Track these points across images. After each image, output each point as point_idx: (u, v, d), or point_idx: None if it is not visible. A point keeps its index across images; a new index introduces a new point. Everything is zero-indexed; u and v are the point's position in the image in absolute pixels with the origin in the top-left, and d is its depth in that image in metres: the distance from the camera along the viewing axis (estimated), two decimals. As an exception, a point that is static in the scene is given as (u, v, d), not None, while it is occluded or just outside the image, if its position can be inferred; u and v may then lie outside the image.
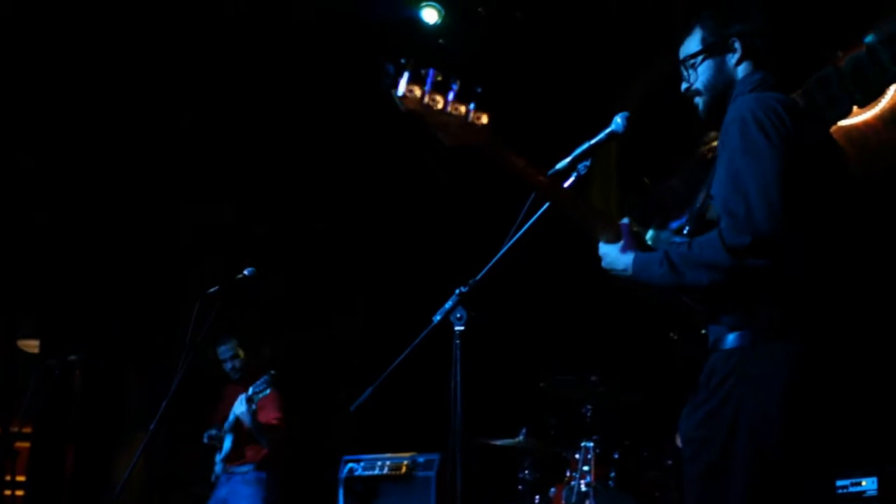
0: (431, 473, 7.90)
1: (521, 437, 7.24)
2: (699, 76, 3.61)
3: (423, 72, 3.16)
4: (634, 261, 3.38)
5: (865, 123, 7.61)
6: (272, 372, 7.86)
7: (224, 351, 8.44)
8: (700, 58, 3.60)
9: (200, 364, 5.79)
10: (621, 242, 3.47)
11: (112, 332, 10.01)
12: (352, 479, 8.16)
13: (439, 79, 3.18)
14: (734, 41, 3.55)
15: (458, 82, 3.21)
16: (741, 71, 3.53)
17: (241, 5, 8.23)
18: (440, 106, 3.18)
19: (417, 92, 3.15)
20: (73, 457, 10.15)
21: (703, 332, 3.37)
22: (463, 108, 3.22)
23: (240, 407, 7.92)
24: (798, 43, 7.65)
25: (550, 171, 3.88)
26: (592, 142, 3.86)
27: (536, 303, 8.06)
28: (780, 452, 3.04)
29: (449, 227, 8.82)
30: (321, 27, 8.55)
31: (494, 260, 3.89)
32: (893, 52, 7.25)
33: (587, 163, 3.85)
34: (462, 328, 3.88)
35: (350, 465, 8.29)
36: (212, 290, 5.85)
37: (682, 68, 3.67)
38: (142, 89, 8.91)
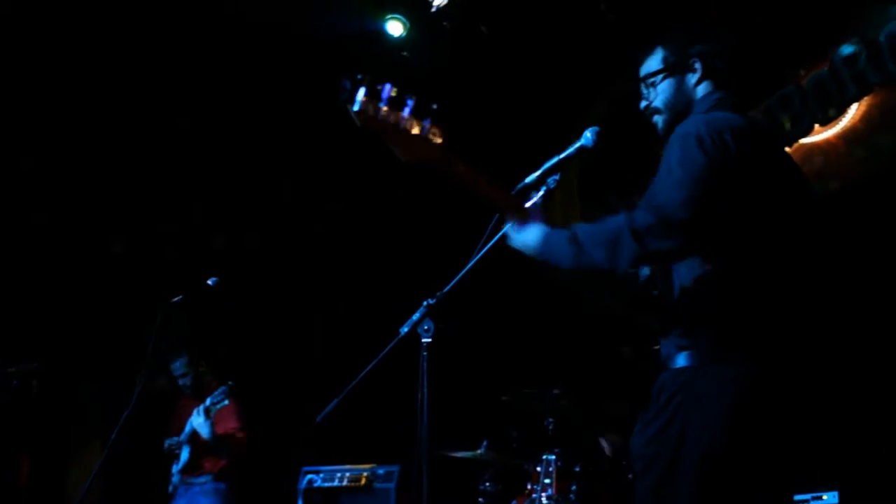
0: (391, 485, 7.88)
1: (482, 450, 7.23)
2: (659, 94, 3.66)
3: (379, 87, 3.19)
4: (544, 236, 3.38)
5: (827, 142, 7.68)
6: (230, 383, 7.83)
7: (177, 367, 8.38)
8: (661, 76, 3.65)
9: (161, 374, 5.76)
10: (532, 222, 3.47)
11: (69, 340, 9.92)
12: (311, 490, 8.13)
13: (395, 95, 3.21)
14: (695, 61, 3.60)
15: (414, 99, 3.24)
16: (700, 90, 3.59)
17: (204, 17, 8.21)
18: (396, 122, 3.22)
19: (373, 107, 3.18)
20: (28, 466, 10.05)
21: (656, 348, 3.38)
22: (418, 125, 3.26)
23: (197, 419, 7.91)
24: (761, 61, 7.73)
25: (519, 185, 3.91)
26: (562, 156, 3.89)
27: (499, 316, 8.06)
28: (726, 469, 3.07)
29: (418, 239, 8.82)
30: (285, 39, 8.54)
31: (463, 272, 3.89)
32: (854, 71, 7.33)
33: (556, 177, 3.87)
34: (429, 340, 3.89)
35: (309, 475, 8.26)
36: (176, 299, 5.82)
37: (643, 86, 3.71)
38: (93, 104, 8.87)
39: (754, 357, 3.14)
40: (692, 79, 3.60)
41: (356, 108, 3.15)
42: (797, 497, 5.97)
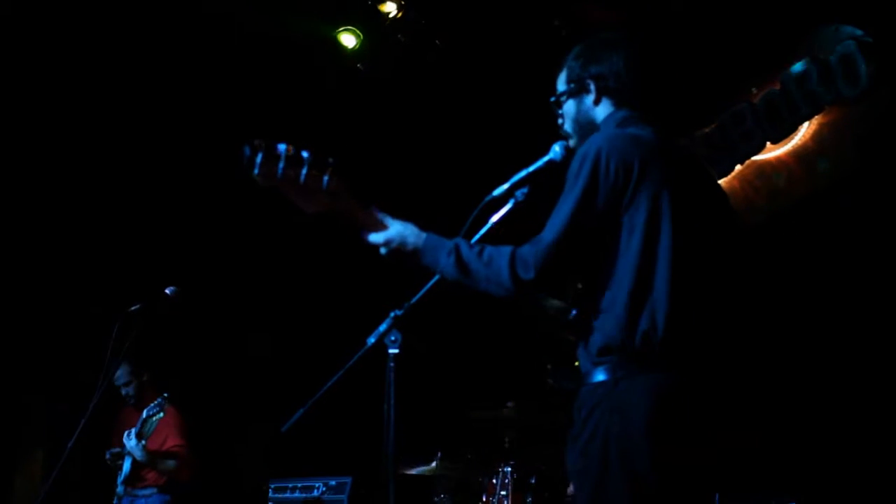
0: (343, 497, 7.87)
1: (435, 463, 7.24)
2: (565, 116, 3.78)
3: (276, 148, 3.35)
4: (427, 240, 3.53)
5: (778, 159, 7.78)
6: (165, 395, 7.79)
7: (119, 376, 8.32)
8: (564, 97, 3.76)
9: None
10: (393, 220, 3.60)
11: (13, 350, 9.81)
12: (261, 502, 8.11)
13: (292, 153, 3.38)
14: (589, 83, 3.68)
15: (310, 153, 3.41)
16: (601, 110, 3.67)
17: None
18: (295, 179, 3.39)
19: (272, 169, 3.36)
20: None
21: (577, 363, 3.43)
22: (318, 178, 3.42)
23: (129, 441, 7.87)
24: (713, 78, 7.82)
25: (487, 198, 3.95)
26: (530, 169, 3.92)
27: (453, 328, 8.08)
28: (651, 478, 3.11)
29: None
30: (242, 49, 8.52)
31: (430, 283, 3.90)
32: (805, 90, 7.43)
33: (525, 190, 3.91)
34: (396, 351, 3.89)
35: (260, 488, 8.25)
36: (133, 308, 5.77)
37: (555, 106, 3.82)
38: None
39: (668, 367, 3.19)
40: (589, 99, 3.69)
41: (257, 172, 3.34)
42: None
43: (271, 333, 10.74)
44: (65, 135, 8.96)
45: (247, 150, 3.34)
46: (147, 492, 8.11)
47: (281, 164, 3.36)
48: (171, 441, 8.10)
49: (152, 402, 7.96)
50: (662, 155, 3.40)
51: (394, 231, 3.57)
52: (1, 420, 10.00)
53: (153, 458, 7.91)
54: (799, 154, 7.64)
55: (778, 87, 7.64)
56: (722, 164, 8.04)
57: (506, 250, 3.34)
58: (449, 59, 8.61)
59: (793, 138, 7.67)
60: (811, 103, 7.43)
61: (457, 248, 3.43)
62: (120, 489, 8.14)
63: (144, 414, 7.85)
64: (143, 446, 7.81)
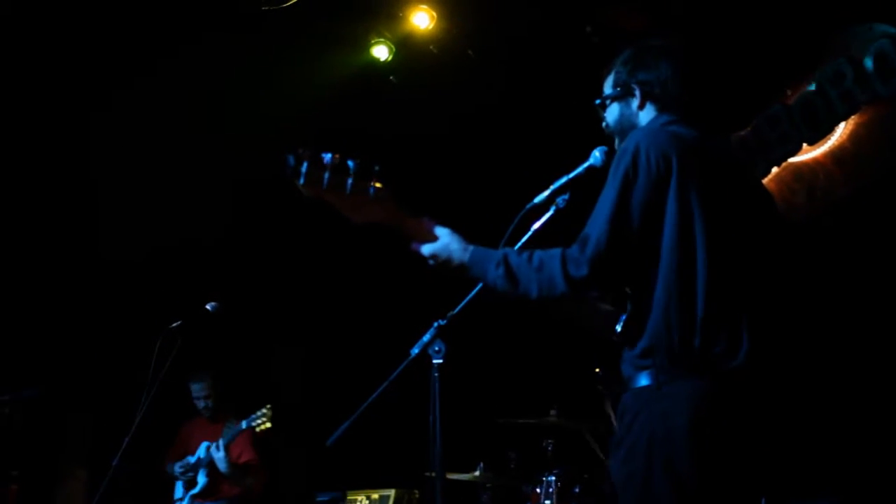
0: (387, 510, 7.90)
1: (477, 472, 7.24)
2: (608, 118, 3.81)
3: (321, 157, 3.35)
4: (473, 253, 3.52)
5: (815, 161, 7.74)
6: (268, 406, 7.86)
7: (197, 389, 8.43)
8: (609, 100, 3.80)
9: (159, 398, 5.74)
10: (444, 232, 3.60)
11: (58, 367, 9.88)
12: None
13: (337, 162, 3.37)
14: (635, 88, 3.71)
15: (356, 162, 3.40)
16: (645, 114, 3.69)
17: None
18: (342, 188, 3.39)
19: (318, 178, 3.35)
20: (16, 494, 9.98)
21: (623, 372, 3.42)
22: (364, 187, 3.42)
23: (216, 454, 7.98)
24: (747, 81, 7.79)
25: (528, 205, 3.96)
26: (571, 175, 3.94)
27: (496, 336, 8.07)
28: (696, 483, 3.11)
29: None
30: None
31: (472, 293, 3.91)
32: (842, 90, 7.39)
33: (566, 196, 3.92)
34: (440, 361, 3.90)
35: (307, 502, 8.30)
36: (174, 324, 5.82)
37: (599, 108, 3.85)
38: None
39: (712, 372, 3.17)
40: (633, 104, 3.73)
41: (302, 181, 3.33)
42: (798, 508, 6.01)
43: (311, 346, 10.76)
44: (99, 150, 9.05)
45: (291, 160, 3.33)
46: None
47: (327, 174, 3.36)
48: (247, 455, 8.25)
49: (228, 414, 8.08)
50: (702, 152, 3.41)
51: (440, 245, 3.58)
52: (44, 438, 10.07)
53: (235, 471, 7.99)
54: (836, 155, 7.59)
55: (813, 87, 7.60)
56: (758, 167, 8.00)
57: (555, 252, 3.33)
58: (482, 69, 8.61)
59: (829, 139, 7.62)
60: (847, 103, 7.38)
61: (505, 259, 3.42)
62: (186, 501, 8.20)
63: (226, 427, 7.96)
64: (228, 459, 7.90)
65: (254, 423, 7.85)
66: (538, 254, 3.39)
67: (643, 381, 3.27)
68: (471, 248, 3.54)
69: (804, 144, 7.76)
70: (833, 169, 7.59)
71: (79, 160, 9.17)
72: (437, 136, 8.90)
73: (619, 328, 3.58)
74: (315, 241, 9.83)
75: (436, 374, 3.90)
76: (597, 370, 6.06)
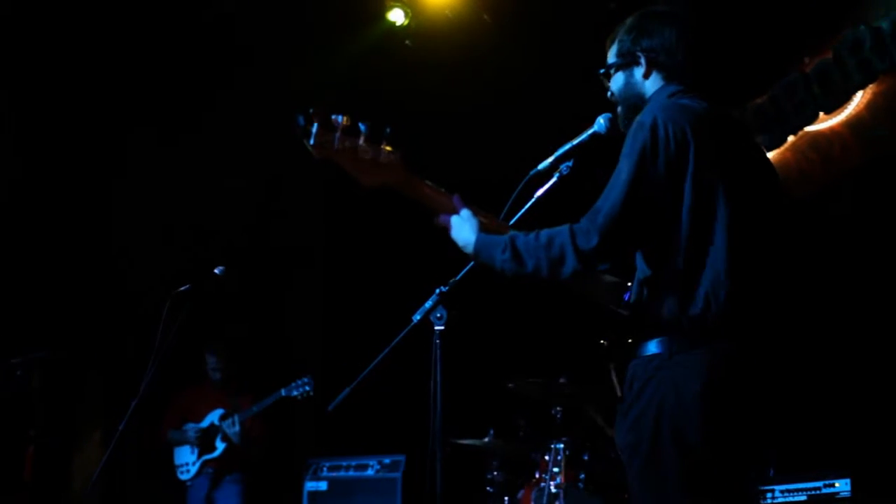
0: (397, 475, 7.94)
1: (488, 438, 7.24)
2: (613, 86, 3.75)
3: (332, 118, 3.34)
4: (477, 240, 3.52)
5: (831, 130, 7.67)
6: (305, 378, 7.93)
7: (213, 362, 8.49)
8: (613, 69, 3.73)
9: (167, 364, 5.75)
10: (465, 214, 3.60)
11: (72, 330, 9.92)
12: (316, 480, 8.18)
13: (348, 123, 3.36)
14: (640, 56, 3.65)
15: (367, 125, 3.40)
16: (651, 83, 3.64)
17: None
18: (352, 151, 3.39)
19: (328, 139, 3.34)
20: (32, 456, 10.05)
21: (630, 341, 3.40)
22: (374, 150, 3.42)
23: (231, 429, 8.13)
24: (764, 48, 7.72)
25: (532, 172, 3.95)
26: (575, 142, 3.94)
27: (505, 303, 8.05)
28: (703, 450, 3.12)
29: (430, 226, 8.87)
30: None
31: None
32: (859, 59, 7.31)
33: (570, 163, 3.91)
34: (442, 328, 3.89)
35: (314, 466, 8.31)
36: (182, 288, 5.81)
37: (604, 78, 3.79)
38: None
39: (723, 342, 3.18)
40: (639, 72, 3.66)
41: (312, 142, 3.32)
42: (810, 485, 6.02)
43: (317, 312, 10.77)
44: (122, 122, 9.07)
45: (301, 120, 3.33)
46: (232, 476, 8.41)
47: (337, 135, 3.35)
48: (258, 427, 8.33)
49: (237, 385, 8.30)
50: (714, 124, 3.39)
51: (454, 230, 3.60)
52: (61, 401, 10.12)
53: (246, 442, 8.06)
54: (853, 124, 7.52)
55: (830, 56, 7.51)
56: (774, 136, 7.93)
57: (563, 227, 3.31)
58: (497, 34, 8.56)
59: (846, 108, 7.55)
60: (865, 72, 7.30)
61: (511, 242, 3.40)
62: (194, 467, 8.30)
63: (235, 398, 8.06)
64: (241, 433, 7.99)
65: (294, 393, 7.89)
66: (545, 231, 3.36)
67: (653, 349, 3.27)
68: (474, 237, 3.53)
69: (821, 113, 7.68)
70: (849, 138, 7.53)
71: (94, 130, 9.21)
72: (451, 101, 8.86)
73: (627, 297, 3.57)
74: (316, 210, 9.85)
75: (437, 341, 3.90)
76: (602, 341, 6.03)
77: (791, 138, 7.94)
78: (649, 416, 3.20)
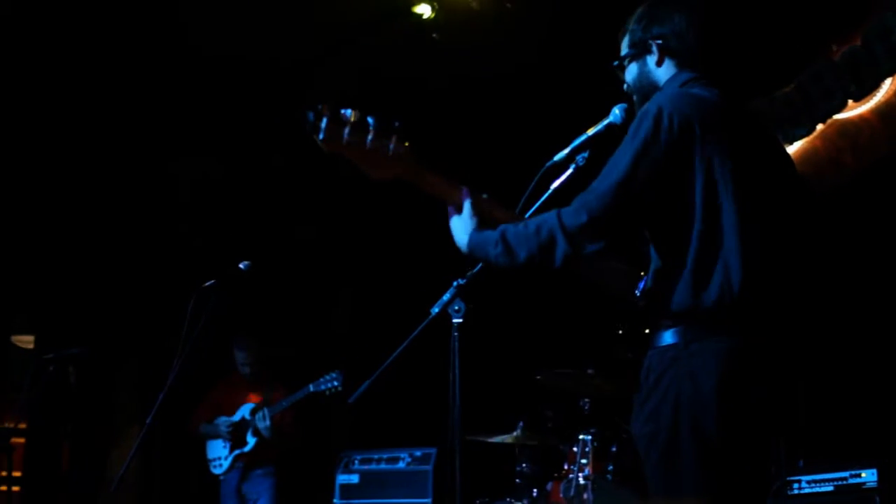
0: (428, 468, 7.95)
1: (518, 432, 7.24)
2: (627, 77, 3.73)
3: (341, 113, 3.35)
4: (470, 240, 3.51)
5: (860, 117, 7.63)
6: (336, 372, 7.95)
7: (242, 357, 8.54)
8: (626, 60, 3.71)
9: (197, 358, 5.78)
10: (464, 214, 3.59)
11: (106, 326, 10.01)
12: (348, 473, 8.22)
13: (357, 118, 3.37)
14: (651, 44, 3.62)
15: (376, 118, 3.40)
16: (664, 71, 3.60)
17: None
18: (361, 144, 3.38)
19: (337, 133, 3.35)
20: (68, 452, 10.16)
21: (647, 331, 3.39)
22: (383, 144, 3.42)
23: (261, 423, 8.13)
24: (791, 36, 7.67)
25: (549, 163, 3.94)
26: (590, 133, 3.92)
27: (531, 295, 8.04)
28: (720, 439, 3.11)
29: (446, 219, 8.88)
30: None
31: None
32: (888, 45, 7.26)
33: (585, 154, 3.90)
34: (460, 320, 3.90)
35: (346, 459, 8.34)
36: (207, 284, 5.84)
37: (618, 70, 3.78)
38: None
39: (739, 331, 3.16)
40: (651, 60, 3.63)
41: (322, 137, 3.34)
42: (837, 475, 5.99)
43: (346, 306, 10.81)
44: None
45: (310, 116, 3.34)
46: (264, 470, 8.43)
47: (346, 130, 3.36)
48: (289, 421, 8.38)
49: (269, 378, 8.38)
50: (725, 116, 3.35)
51: (452, 226, 3.60)
52: (96, 396, 10.22)
53: (276, 436, 8.13)
54: (882, 111, 7.47)
55: (859, 42, 7.46)
56: (803, 124, 7.89)
57: (551, 212, 3.30)
58: (522, 25, 8.53)
59: (875, 95, 7.50)
60: (894, 59, 7.25)
61: (502, 235, 3.39)
62: (227, 461, 8.34)
63: (267, 393, 8.14)
64: (272, 425, 8.03)
65: (323, 388, 7.93)
66: (534, 219, 3.36)
67: (668, 339, 3.25)
68: (468, 236, 3.53)
69: (850, 101, 7.63)
70: (878, 125, 7.48)
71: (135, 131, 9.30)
72: (476, 92, 8.86)
73: (641, 287, 3.56)
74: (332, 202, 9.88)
75: (455, 334, 3.91)
76: (619, 332, 6.04)
77: (820, 126, 7.90)
78: (666, 407, 3.18)
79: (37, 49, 8.28)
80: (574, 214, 3.23)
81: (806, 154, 7.85)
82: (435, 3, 8.59)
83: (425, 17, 8.67)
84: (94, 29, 8.20)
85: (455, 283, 3.93)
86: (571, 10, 8.15)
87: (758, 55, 7.11)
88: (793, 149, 7.80)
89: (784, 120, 7.81)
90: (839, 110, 7.71)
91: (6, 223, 9.62)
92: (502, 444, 7.33)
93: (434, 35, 8.80)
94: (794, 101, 7.96)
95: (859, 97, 7.57)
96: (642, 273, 3.56)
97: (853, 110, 7.65)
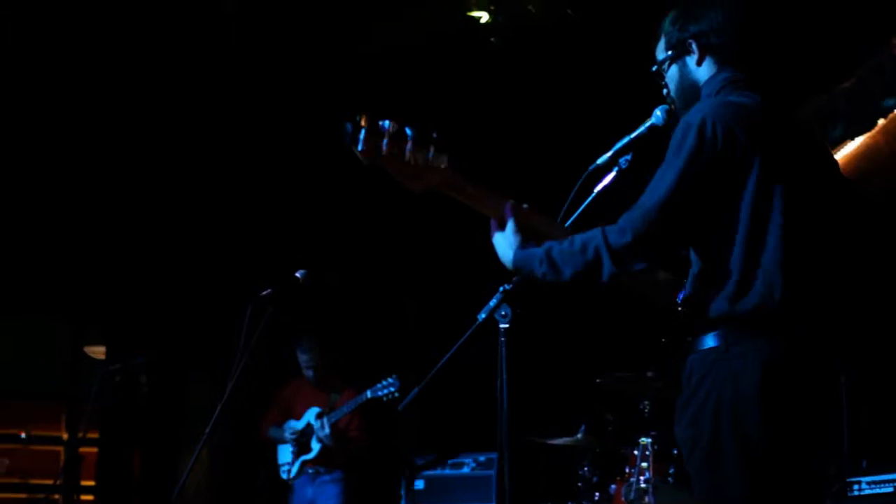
0: (492, 472, 7.97)
1: (579, 435, 7.23)
2: (669, 83, 3.69)
3: (380, 124, 3.37)
4: (515, 258, 3.52)
5: (924, 111, 7.52)
6: (395, 375, 7.95)
7: (305, 359, 8.58)
8: (666, 65, 3.67)
9: (257, 367, 5.83)
10: (507, 231, 3.58)
11: (177, 335, 10.14)
12: (414, 478, 8.27)
13: (395, 129, 3.39)
14: (691, 42, 3.57)
15: (414, 130, 3.43)
16: (705, 71, 3.57)
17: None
18: (399, 155, 3.42)
19: (376, 145, 3.38)
20: (140, 460, 10.29)
21: (690, 339, 3.37)
22: (422, 155, 3.45)
23: (321, 432, 8.18)
24: (851, 30, 7.58)
25: (592, 167, 3.95)
26: (633, 135, 3.92)
27: (591, 300, 8.02)
28: (762, 441, 3.11)
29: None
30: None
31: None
32: (951, 37, 7.17)
33: (628, 157, 3.90)
34: (507, 326, 3.91)
35: (412, 465, 8.39)
36: (264, 292, 5.89)
37: (657, 77, 3.75)
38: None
39: (780, 333, 3.16)
40: (692, 60, 3.59)
41: (360, 148, 3.37)
42: (890, 476, 5.92)
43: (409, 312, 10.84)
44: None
45: (349, 127, 3.38)
46: (332, 476, 8.44)
47: (384, 141, 3.39)
48: (354, 425, 8.39)
49: (335, 381, 8.41)
50: (767, 121, 3.34)
51: (496, 244, 3.61)
52: (167, 405, 10.35)
53: (339, 443, 8.18)
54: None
55: (920, 36, 7.37)
56: (864, 119, 7.79)
57: (596, 230, 3.30)
58: (582, 30, 8.52)
59: (937, 88, 7.40)
60: (958, 51, 7.16)
61: (547, 253, 3.39)
62: (294, 467, 8.40)
63: (333, 397, 8.20)
64: (333, 434, 8.08)
65: (380, 394, 7.96)
66: (579, 236, 3.35)
67: (710, 342, 3.25)
68: (512, 252, 3.54)
69: (912, 95, 7.54)
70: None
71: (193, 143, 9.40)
72: (533, 97, 8.85)
73: (682, 294, 3.55)
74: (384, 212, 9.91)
75: (502, 339, 3.92)
76: (662, 339, 5.99)
77: (881, 121, 7.79)
78: (708, 410, 3.18)
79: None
80: (619, 233, 3.23)
81: (867, 150, 7.74)
82: (492, 7, 8.60)
83: (483, 21, 8.69)
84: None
85: (501, 289, 3.93)
86: (629, 17, 8.13)
87: (814, 50, 7.03)
88: (854, 145, 7.70)
89: (844, 115, 7.71)
90: (901, 104, 7.62)
91: (79, 235, 9.79)
92: (564, 448, 7.33)
93: (492, 39, 8.81)
94: (855, 95, 7.86)
95: (921, 90, 7.48)
96: (685, 281, 3.55)
97: (915, 103, 7.54)
